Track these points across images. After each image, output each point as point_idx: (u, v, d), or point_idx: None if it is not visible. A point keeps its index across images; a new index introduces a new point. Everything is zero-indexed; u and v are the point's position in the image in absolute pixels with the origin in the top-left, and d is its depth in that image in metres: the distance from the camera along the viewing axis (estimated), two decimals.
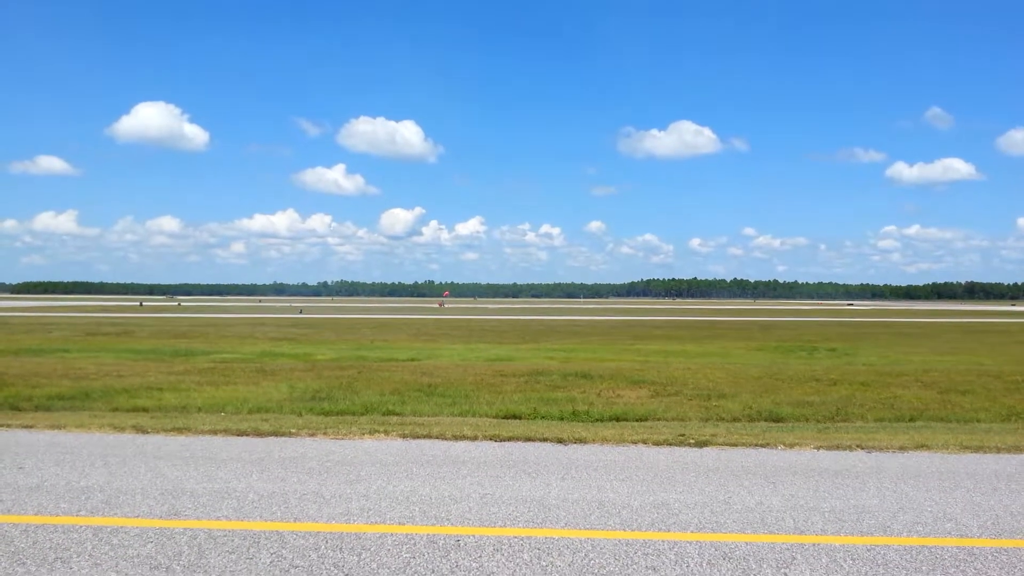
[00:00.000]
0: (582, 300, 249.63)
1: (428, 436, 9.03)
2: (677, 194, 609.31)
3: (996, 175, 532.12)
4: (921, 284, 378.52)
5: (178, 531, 5.40)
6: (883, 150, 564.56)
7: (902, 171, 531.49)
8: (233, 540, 5.22)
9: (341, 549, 5.07)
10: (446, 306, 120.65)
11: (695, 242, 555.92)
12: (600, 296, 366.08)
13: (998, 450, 8.40)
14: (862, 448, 8.46)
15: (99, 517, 5.72)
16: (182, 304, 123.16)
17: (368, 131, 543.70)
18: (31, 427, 9.48)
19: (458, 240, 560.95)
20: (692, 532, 5.48)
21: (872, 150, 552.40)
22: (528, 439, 8.86)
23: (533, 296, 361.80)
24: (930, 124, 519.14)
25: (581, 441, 8.76)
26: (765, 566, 4.82)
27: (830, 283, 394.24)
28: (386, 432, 9.25)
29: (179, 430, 9.33)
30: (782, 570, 4.76)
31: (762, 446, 8.59)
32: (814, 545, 5.21)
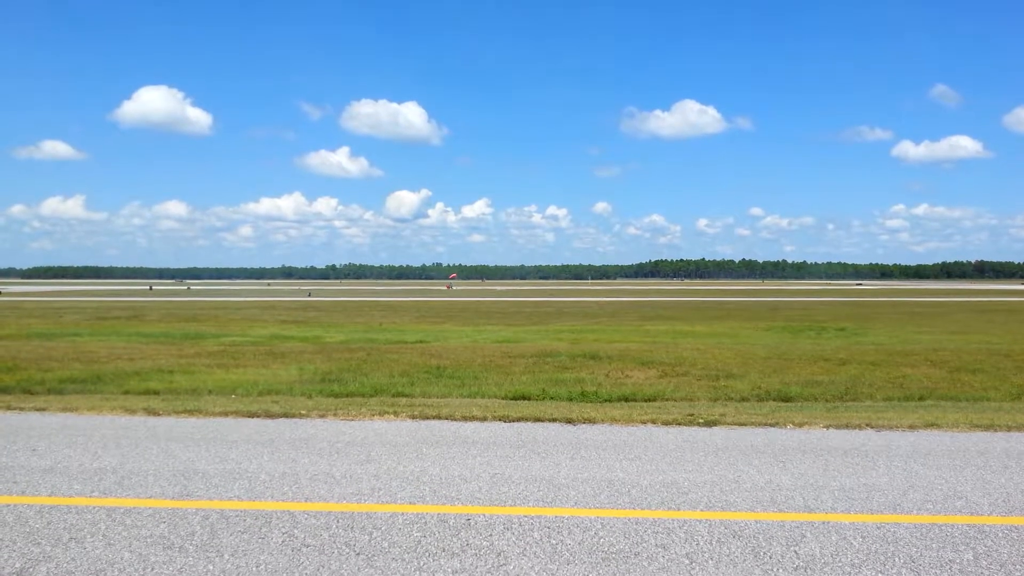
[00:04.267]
0: (590, 282, 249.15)
1: (438, 417, 9.06)
2: (682, 174, 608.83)
3: (1004, 153, 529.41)
4: (930, 263, 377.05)
5: (190, 511, 5.45)
6: (889, 128, 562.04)
7: (908, 149, 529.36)
8: (245, 520, 5.26)
9: (352, 528, 5.11)
10: (454, 288, 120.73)
11: (702, 222, 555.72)
12: (608, 277, 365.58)
13: (1008, 428, 8.38)
14: (872, 427, 8.45)
15: (112, 498, 5.77)
16: (191, 288, 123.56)
17: (370, 113, 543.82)
18: (44, 410, 9.55)
19: (465, 222, 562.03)
20: (702, 511, 5.49)
21: (878, 128, 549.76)
22: (537, 419, 8.88)
23: (540, 278, 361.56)
24: (936, 102, 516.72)
25: (590, 421, 8.78)
26: (775, 544, 4.83)
27: (839, 263, 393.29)
28: (396, 413, 9.29)
29: (190, 412, 9.39)
30: (792, 548, 4.77)
31: (771, 425, 8.58)
32: (824, 523, 5.22)
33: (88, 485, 6.11)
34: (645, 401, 11.11)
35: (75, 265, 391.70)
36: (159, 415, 9.26)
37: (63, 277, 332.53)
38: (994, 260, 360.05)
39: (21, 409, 9.63)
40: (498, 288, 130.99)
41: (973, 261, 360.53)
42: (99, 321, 34.71)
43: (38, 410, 9.55)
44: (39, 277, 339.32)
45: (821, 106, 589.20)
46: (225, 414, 9.28)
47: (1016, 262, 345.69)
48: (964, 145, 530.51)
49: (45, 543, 4.84)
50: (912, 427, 8.43)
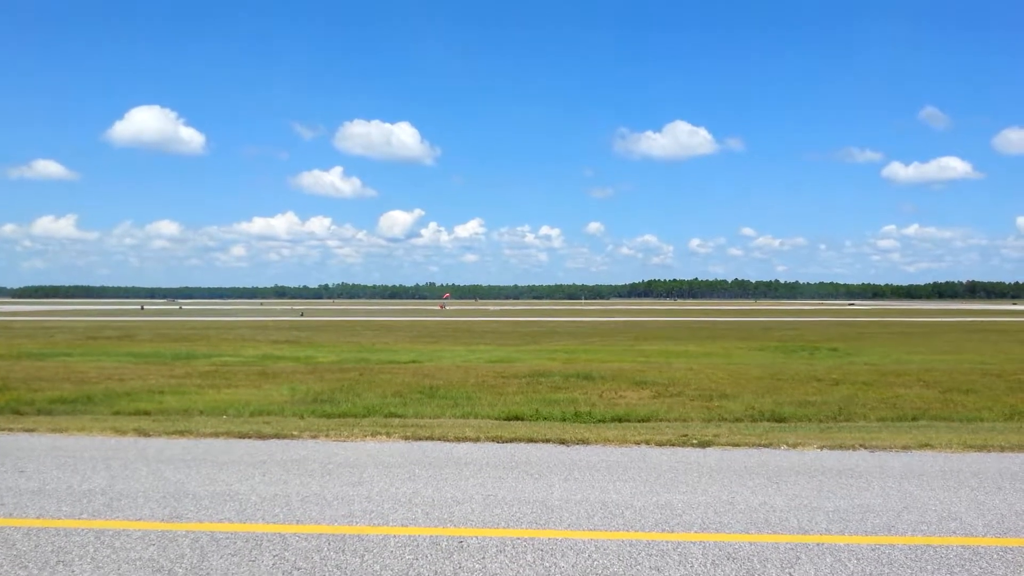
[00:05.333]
0: (583, 301, 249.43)
1: (430, 438, 9.01)
2: (675, 195, 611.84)
3: (993, 174, 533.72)
4: (922, 283, 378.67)
5: (180, 534, 5.39)
6: (879, 149, 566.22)
7: (898, 171, 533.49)
8: (235, 542, 5.21)
9: (344, 551, 5.06)
10: (447, 308, 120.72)
11: (694, 243, 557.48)
12: (602, 297, 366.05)
13: (1002, 449, 8.38)
14: (865, 448, 8.44)
15: (101, 520, 5.71)
16: (183, 307, 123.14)
17: (363, 133, 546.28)
18: (33, 431, 9.47)
19: (457, 242, 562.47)
20: (696, 532, 5.46)
21: (868, 149, 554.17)
22: (531, 440, 8.84)
23: (534, 298, 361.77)
24: (925, 123, 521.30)
25: (584, 442, 8.74)
26: (769, 566, 4.80)
27: (831, 283, 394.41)
28: (388, 434, 9.23)
29: (181, 433, 9.32)
30: (786, 570, 4.74)
31: (765, 446, 8.57)
32: (818, 545, 5.19)
33: (77, 507, 6.04)
34: (639, 422, 11.09)
35: (67, 284, 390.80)
36: (149, 436, 9.18)
37: (54, 296, 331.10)
38: (985, 280, 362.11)
39: (10, 430, 9.54)
40: (491, 308, 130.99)
41: (964, 281, 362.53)
42: (90, 341, 34.51)
43: (27, 431, 9.46)
44: (30, 296, 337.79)
45: (811, 127, 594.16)
46: (216, 435, 9.21)
47: (1007, 282, 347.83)
48: (954, 166, 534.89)
49: (32, 566, 4.78)
50: (906, 448, 8.43)
